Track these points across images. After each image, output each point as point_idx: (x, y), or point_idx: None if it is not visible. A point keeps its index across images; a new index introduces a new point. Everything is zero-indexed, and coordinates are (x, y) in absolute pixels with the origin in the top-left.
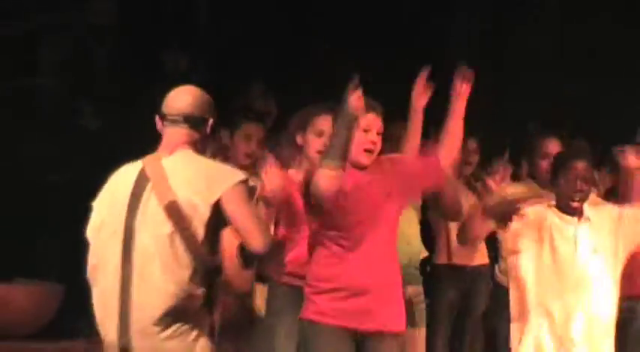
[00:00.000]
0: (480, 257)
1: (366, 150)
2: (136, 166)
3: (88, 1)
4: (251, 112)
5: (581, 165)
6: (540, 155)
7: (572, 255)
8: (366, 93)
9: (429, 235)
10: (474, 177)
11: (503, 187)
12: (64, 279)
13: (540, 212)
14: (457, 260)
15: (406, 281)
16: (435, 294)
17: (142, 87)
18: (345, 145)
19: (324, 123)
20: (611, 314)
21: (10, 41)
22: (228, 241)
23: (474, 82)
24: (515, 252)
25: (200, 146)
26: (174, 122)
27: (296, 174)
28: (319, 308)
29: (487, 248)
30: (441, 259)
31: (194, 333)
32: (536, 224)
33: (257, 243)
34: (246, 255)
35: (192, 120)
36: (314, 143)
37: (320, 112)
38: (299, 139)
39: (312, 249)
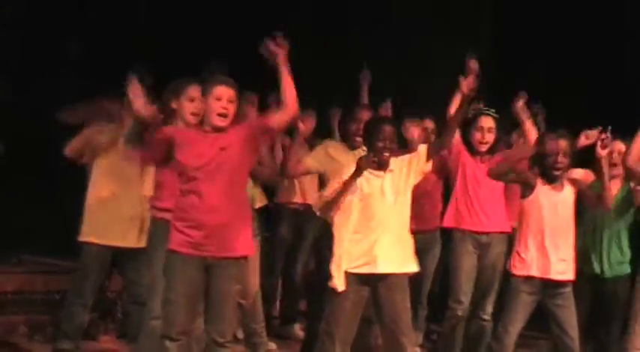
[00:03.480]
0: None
1: (218, 115)
2: None
3: None
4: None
5: (388, 128)
6: (352, 120)
7: (379, 201)
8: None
9: None
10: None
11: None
12: None
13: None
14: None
15: None
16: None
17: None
18: None
19: (194, 91)
20: (406, 241)
21: None
22: None
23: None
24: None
25: None
26: None
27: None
28: (175, 239)
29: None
30: (283, 199)
31: None
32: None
33: None
34: None
35: None
36: (187, 107)
37: (190, 83)
38: (173, 104)
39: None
